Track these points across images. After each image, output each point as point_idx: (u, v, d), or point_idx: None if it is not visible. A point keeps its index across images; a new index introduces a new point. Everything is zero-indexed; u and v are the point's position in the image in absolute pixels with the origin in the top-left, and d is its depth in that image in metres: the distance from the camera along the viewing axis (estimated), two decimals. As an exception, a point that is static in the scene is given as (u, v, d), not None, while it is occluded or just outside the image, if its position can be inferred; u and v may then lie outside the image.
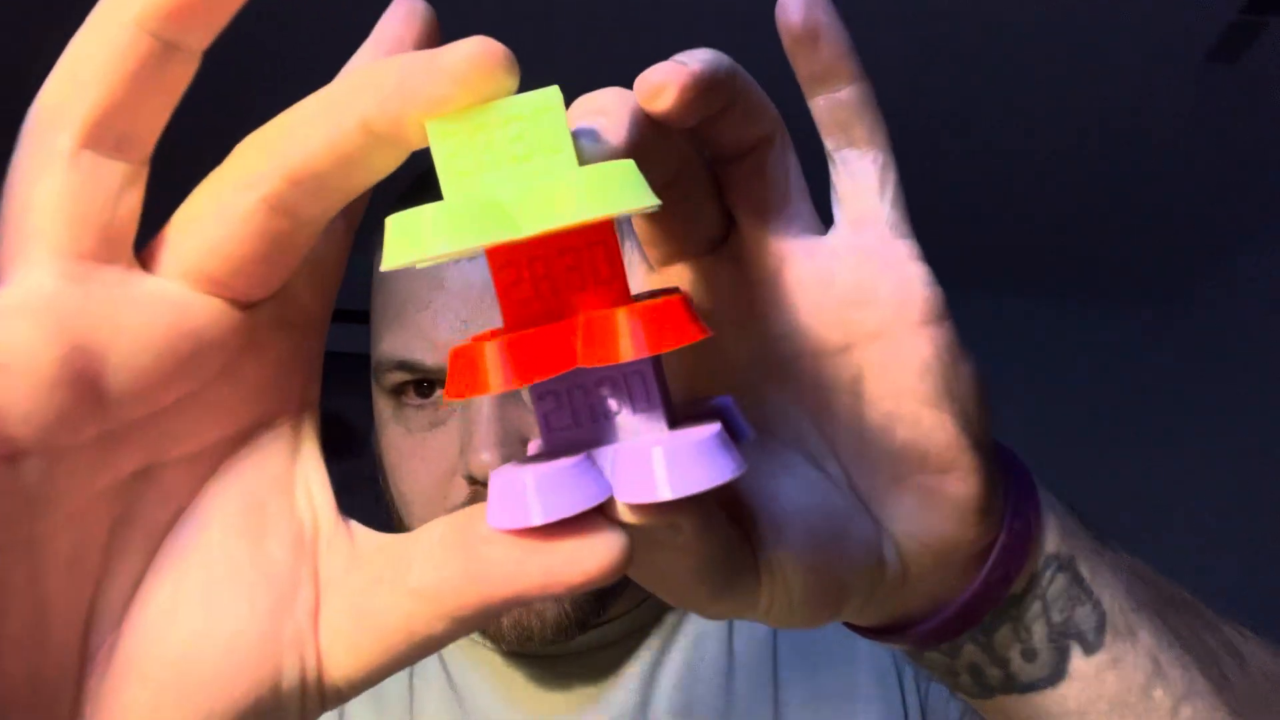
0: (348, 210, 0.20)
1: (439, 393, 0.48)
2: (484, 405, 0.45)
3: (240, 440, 0.19)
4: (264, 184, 0.17)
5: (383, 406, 0.51)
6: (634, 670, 0.53)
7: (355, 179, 0.17)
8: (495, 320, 0.46)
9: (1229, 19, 1.59)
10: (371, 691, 0.52)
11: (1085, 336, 2.45)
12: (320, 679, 0.19)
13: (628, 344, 0.17)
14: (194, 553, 0.19)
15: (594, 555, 0.17)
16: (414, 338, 0.48)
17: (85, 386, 0.16)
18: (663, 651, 0.54)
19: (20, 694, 0.16)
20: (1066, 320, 2.44)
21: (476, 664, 0.54)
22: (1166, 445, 2.35)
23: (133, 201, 0.17)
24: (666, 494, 0.17)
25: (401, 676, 0.53)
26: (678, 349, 0.25)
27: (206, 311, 0.18)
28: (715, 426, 0.18)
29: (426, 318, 0.47)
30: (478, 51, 0.15)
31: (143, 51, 0.17)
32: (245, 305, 0.19)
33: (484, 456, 0.44)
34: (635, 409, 0.19)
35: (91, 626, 0.18)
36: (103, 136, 0.17)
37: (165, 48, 0.17)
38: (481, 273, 0.47)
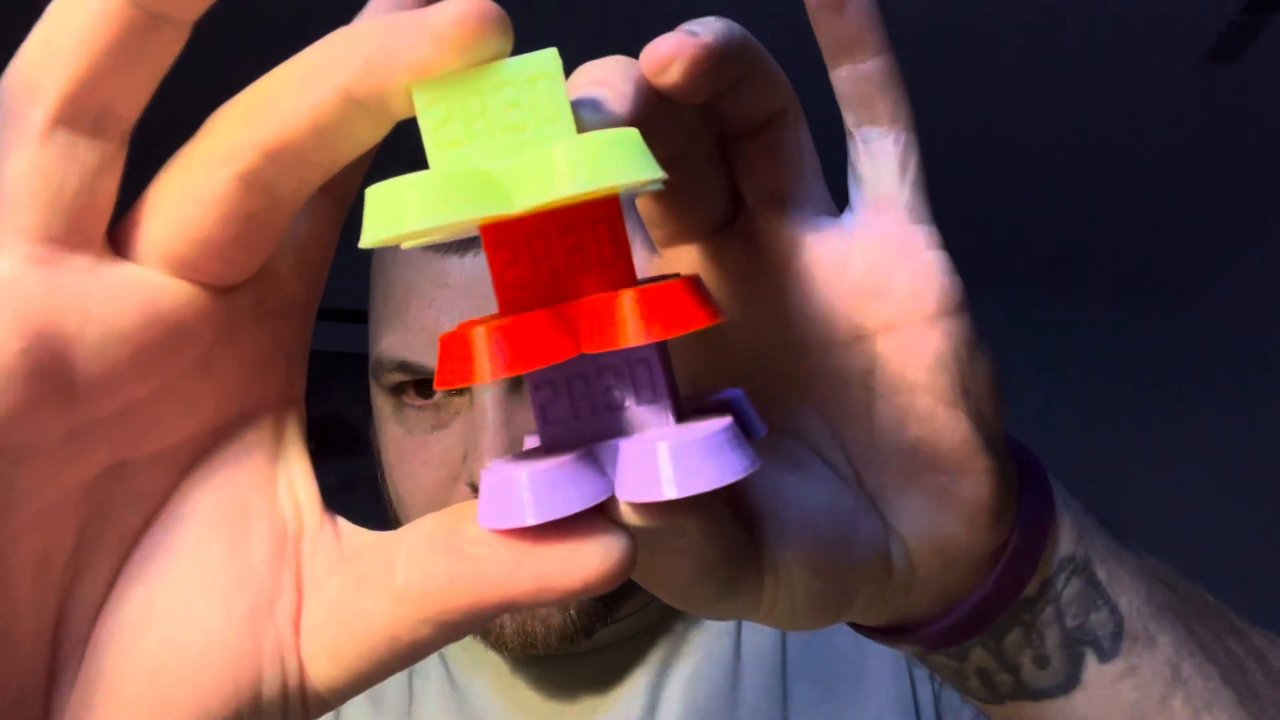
0: (338, 189, 0.19)
1: (442, 394, 0.46)
2: (489, 409, 0.43)
3: (219, 435, 0.18)
4: (238, 159, 0.16)
5: (382, 404, 0.49)
6: (642, 674, 0.52)
7: (336, 151, 0.16)
8: None
9: (1229, 19, 1.59)
10: (370, 691, 0.51)
11: (1085, 336, 2.45)
12: (303, 687, 0.18)
13: (634, 328, 0.15)
14: (168, 556, 0.17)
15: (593, 560, 0.16)
16: (416, 337, 0.46)
17: (51, 380, 0.15)
18: (671, 655, 0.52)
19: None
20: (1066, 319, 2.45)
21: (480, 665, 0.52)
22: (1167, 444, 2.35)
23: (108, 184, 0.16)
24: (672, 492, 0.16)
25: (401, 676, 0.52)
26: (683, 336, 0.24)
27: (181, 298, 0.17)
28: (726, 420, 0.17)
29: (430, 316, 0.45)
30: (467, 10, 0.14)
31: (125, 21, 0.15)
32: (222, 290, 0.17)
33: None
34: (640, 400, 0.18)
35: (60, 637, 0.17)
36: (79, 113, 0.15)
37: (150, 18, 0.15)
38: (487, 267, 0.46)
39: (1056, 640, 0.25)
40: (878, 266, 0.22)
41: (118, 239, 0.17)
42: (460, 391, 0.45)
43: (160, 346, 0.16)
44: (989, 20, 1.56)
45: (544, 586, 0.16)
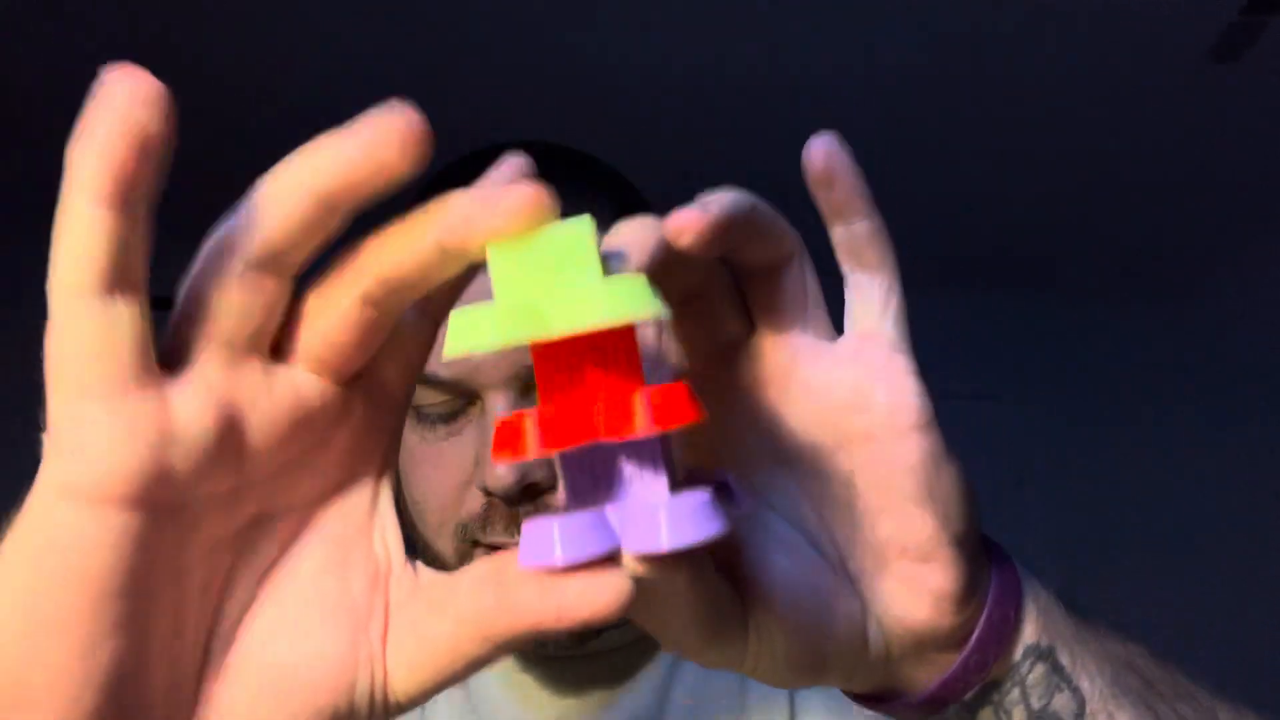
0: (434, 314, 0.25)
1: (457, 403, 0.49)
2: (499, 416, 0.46)
3: (332, 495, 0.24)
4: (361, 284, 0.21)
5: None
6: (650, 674, 0.54)
7: (429, 281, 0.22)
8: None
9: (1229, 19, 1.60)
10: None
11: (1087, 335, 2.45)
12: (385, 693, 0.23)
13: (642, 421, 0.20)
14: (293, 584, 0.23)
15: (601, 595, 0.21)
16: None
17: (230, 449, 0.21)
18: (679, 656, 0.54)
19: (161, 692, 0.21)
20: (1066, 320, 2.45)
21: (490, 666, 0.54)
22: (1172, 446, 2.35)
23: (278, 310, 0.22)
24: (666, 545, 0.21)
25: None
26: (692, 431, 0.28)
27: (316, 388, 0.22)
28: (706, 494, 0.21)
29: (440, 331, 0.48)
30: (528, 195, 0.19)
31: (305, 210, 0.20)
32: (341, 383, 0.23)
33: (500, 470, 0.46)
34: (644, 475, 0.22)
35: (212, 638, 0.22)
36: (266, 264, 0.21)
37: (325, 209, 0.21)
38: (489, 286, 0.48)
39: (1023, 718, 0.29)
40: (862, 386, 0.27)
41: (275, 346, 0.22)
42: (472, 400, 0.48)
43: (301, 425, 0.22)
44: (990, 20, 1.57)
45: (563, 615, 0.21)
